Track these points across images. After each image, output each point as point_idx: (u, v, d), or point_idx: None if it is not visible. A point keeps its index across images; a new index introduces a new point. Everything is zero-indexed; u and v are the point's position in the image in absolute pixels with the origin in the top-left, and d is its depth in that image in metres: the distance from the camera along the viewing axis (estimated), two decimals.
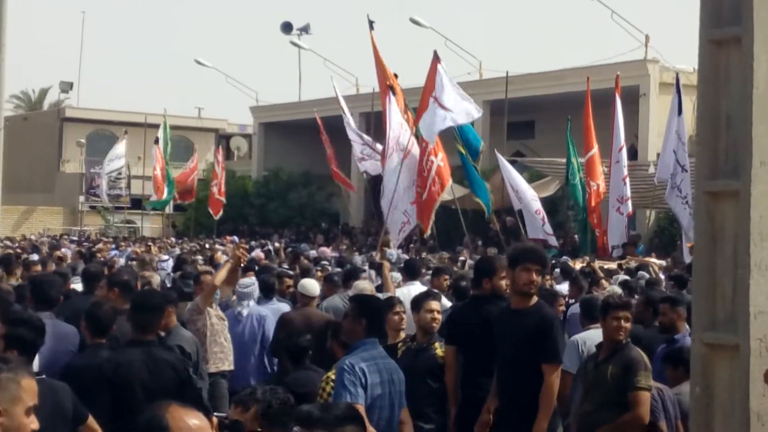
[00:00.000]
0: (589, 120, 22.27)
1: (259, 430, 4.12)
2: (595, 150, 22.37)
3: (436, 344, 7.59)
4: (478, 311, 7.42)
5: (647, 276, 13.95)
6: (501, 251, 18.03)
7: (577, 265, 17.02)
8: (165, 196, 36.03)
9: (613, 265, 17.09)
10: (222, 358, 9.33)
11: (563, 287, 12.86)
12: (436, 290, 10.01)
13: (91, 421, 5.47)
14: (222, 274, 9.11)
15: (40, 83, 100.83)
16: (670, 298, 8.82)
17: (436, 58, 19.81)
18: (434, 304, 7.73)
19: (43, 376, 5.25)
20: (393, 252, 21.37)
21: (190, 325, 8.92)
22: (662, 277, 14.84)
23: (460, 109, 19.25)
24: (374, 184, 25.97)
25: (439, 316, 7.80)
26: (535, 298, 6.72)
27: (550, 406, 6.47)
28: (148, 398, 6.06)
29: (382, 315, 6.23)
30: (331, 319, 9.43)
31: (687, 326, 8.04)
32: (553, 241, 23.36)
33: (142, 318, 6.43)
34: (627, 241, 22.53)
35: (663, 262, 18.56)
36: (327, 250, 24.66)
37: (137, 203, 44.06)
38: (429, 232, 20.96)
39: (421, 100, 19.88)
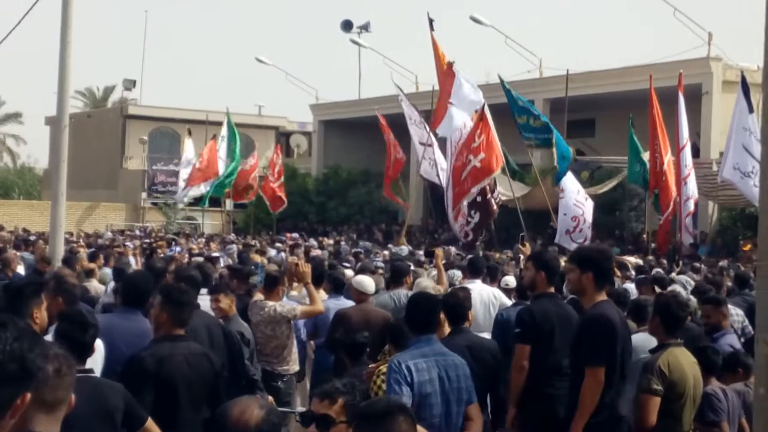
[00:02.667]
0: (657, 118, 21.95)
1: (343, 419, 4.17)
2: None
3: None
4: (556, 308, 7.38)
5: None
6: (561, 250, 17.99)
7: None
8: (208, 189, 35.99)
9: None
10: (296, 358, 9.54)
11: (631, 286, 12.81)
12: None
13: (150, 424, 5.34)
14: (317, 298, 9.42)
15: (105, 81, 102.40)
16: (713, 299, 8.74)
17: (450, 67, 20.80)
18: None
19: (90, 374, 5.28)
20: (404, 248, 21.79)
21: (272, 326, 9.08)
22: (631, 274, 14.80)
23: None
24: (432, 184, 26.05)
25: None
26: (597, 298, 6.47)
27: (584, 409, 6.26)
28: (188, 393, 6.12)
29: (427, 312, 6.19)
30: (388, 316, 9.49)
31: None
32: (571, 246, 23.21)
33: (177, 312, 6.35)
34: (693, 241, 22.43)
35: (640, 261, 18.45)
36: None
37: (198, 200, 44.46)
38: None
39: (438, 103, 20.66)
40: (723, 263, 19.87)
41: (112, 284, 11.23)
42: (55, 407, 3.27)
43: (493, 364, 7.32)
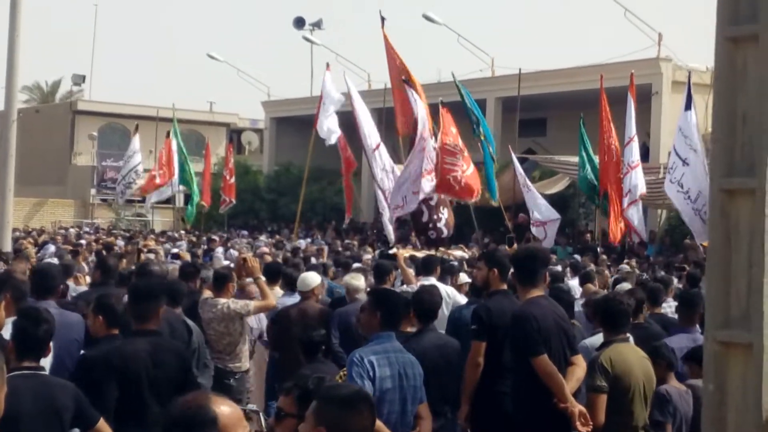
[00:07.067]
0: (607, 120, 21.94)
1: (293, 413, 4.23)
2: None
3: None
4: (511, 305, 7.41)
5: None
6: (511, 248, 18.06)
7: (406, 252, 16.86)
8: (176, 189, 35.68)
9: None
10: (247, 355, 9.49)
11: (574, 282, 12.87)
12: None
13: (102, 425, 5.28)
14: (269, 293, 9.27)
15: (53, 76, 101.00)
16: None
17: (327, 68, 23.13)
18: None
19: (39, 372, 5.20)
20: (301, 242, 22.53)
21: (225, 323, 9.01)
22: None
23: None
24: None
25: None
26: (532, 294, 6.72)
27: (560, 393, 6.38)
28: (152, 389, 6.06)
29: (397, 308, 6.20)
30: (325, 310, 9.49)
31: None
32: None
33: (140, 308, 6.34)
34: (640, 240, 22.57)
35: (466, 254, 18.39)
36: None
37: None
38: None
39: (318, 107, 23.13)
40: (676, 261, 19.95)
41: None
42: None
43: (458, 363, 7.38)
